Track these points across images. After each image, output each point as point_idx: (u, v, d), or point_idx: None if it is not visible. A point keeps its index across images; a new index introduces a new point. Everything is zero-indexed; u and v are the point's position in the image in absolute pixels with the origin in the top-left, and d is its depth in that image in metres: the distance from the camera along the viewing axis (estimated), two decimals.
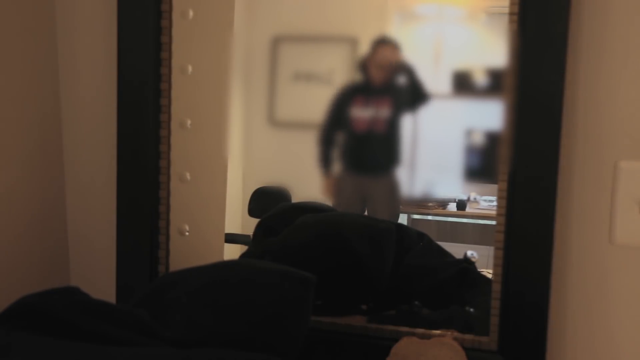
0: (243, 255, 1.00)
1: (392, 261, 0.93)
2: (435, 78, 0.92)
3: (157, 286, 0.79)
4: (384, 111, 0.93)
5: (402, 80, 0.92)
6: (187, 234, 0.96)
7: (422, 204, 0.98)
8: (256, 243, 0.99)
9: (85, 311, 0.71)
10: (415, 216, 1.00)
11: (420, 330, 0.88)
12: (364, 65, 0.93)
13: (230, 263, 0.83)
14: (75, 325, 0.69)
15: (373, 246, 0.93)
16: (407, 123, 0.93)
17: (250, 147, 1.02)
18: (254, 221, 0.99)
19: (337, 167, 0.98)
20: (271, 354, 0.71)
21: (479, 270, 0.91)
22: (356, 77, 0.95)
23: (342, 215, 0.99)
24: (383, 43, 0.92)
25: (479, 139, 0.92)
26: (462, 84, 0.91)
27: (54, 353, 0.65)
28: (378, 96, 0.94)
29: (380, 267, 0.93)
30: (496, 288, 0.86)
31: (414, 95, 0.91)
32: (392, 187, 0.97)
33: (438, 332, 0.88)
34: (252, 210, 1.00)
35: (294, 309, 0.74)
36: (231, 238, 0.99)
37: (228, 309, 0.72)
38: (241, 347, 0.71)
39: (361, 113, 0.94)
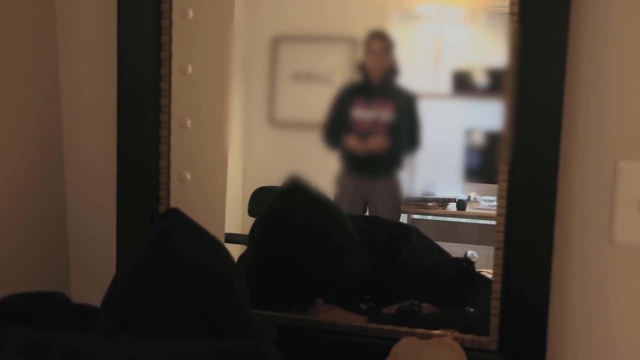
0: (242, 255, 1.00)
1: (353, 229, 0.95)
2: (435, 78, 0.92)
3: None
4: (385, 114, 0.93)
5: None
6: None
7: (422, 204, 0.98)
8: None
9: (64, 313, 0.71)
10: (415, 216, 1.00)
11: (420, 330, 0.88)
12: (362, 65, 0.93)
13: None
14: (51, 324, 0.70)
15: (320, 218, 0.95)
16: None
17: (250, 147, 1.02)
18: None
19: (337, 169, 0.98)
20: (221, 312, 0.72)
21: (479, 270, 0.91)
22: (356, 77, 0.95)
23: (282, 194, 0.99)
24: (376, 35, 0.93)
25: (479, 139, 0.92)
26: (462, 84, 0.91)
27: (36, 339, 0.66)
28: (379, 98, 0.94)
29: (342, 236, 0.95)
30: (496, 288, 0.86)
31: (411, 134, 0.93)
32: (393, 188, 0.97)
33: (438, 332, 0.88)
34: (252, 210, 1.00)
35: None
36: (231, 238, 0.99)
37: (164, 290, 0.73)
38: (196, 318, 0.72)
39: (363, 114, 0.94)
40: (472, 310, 0.90)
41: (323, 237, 0.96)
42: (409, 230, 0.97)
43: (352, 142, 0.94)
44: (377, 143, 0.94)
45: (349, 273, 0.96)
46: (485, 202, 0.96)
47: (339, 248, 0.96)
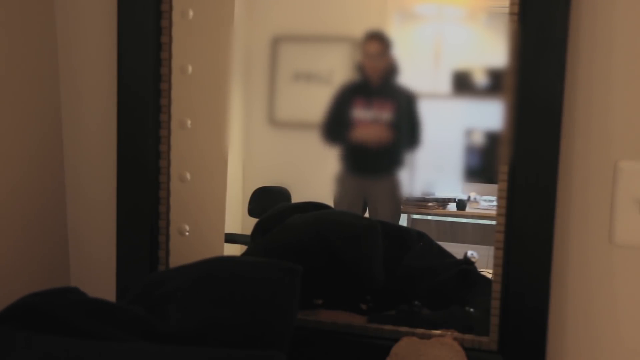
0: (242, 255, 1.00)
1: (380, 258, 0.93)
2: (435, 78, 0.92)
3: (148, 284, 0.80)
4: (385, 114, 0.93)
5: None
6: (187, 234, 0.96)
7: (422, 204, 0.98)
8: (254, 243, 0.99)
9: (84, 310, 0.71)
10: (415, 216, 1.00)
11: (420, 330, 0.88)
12: (360, 66, 0.94)
13: (218, 259, 0.83)
14: (73, 325, 0.70)
15: (354, 245, 0.93)
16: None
17: (250, 147, 1.02)
18: (254, 221, 0.99)
19: (337, 168, 0.98)
20: (263, 342, 0.72)
21: (479, 270, 0.91)
22: (355, 78, 0.95)
23: (326, 215, 0.98)
24: (371, 36, 0.93)
25: (479, 139, 0.92)
26: (462, 84, 0.91)
27: (57, 350, 0.65)
28: (379, 99, 0.94)
29: (367, 265, 0.93)
30: (496, 288, 0.86)
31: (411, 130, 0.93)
32: (393, 188, 0.97)
33: (438, 332, 0.88)
34: (252, 210, 1.00)
35: (281, 298, 0.75)
36: (231, 238, 0.99)
37: (218, 302, 0.74)
38: (234, 337, 0.72)
39: (362, 115, 0.94)
40: (472, 310, 0.90)
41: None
42: (410, 234, 0.97)
43: (362, 130, 0.94)
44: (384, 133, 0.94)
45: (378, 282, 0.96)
46: (485, 202, 0.96)
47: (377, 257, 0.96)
